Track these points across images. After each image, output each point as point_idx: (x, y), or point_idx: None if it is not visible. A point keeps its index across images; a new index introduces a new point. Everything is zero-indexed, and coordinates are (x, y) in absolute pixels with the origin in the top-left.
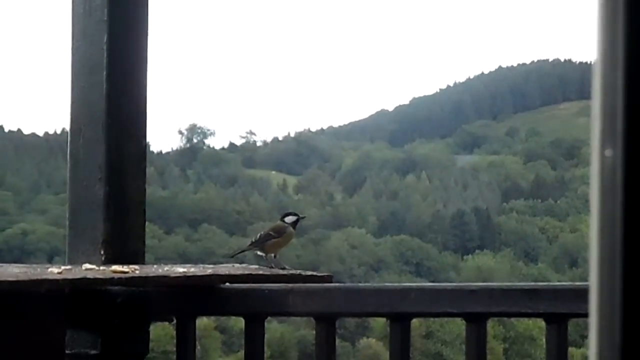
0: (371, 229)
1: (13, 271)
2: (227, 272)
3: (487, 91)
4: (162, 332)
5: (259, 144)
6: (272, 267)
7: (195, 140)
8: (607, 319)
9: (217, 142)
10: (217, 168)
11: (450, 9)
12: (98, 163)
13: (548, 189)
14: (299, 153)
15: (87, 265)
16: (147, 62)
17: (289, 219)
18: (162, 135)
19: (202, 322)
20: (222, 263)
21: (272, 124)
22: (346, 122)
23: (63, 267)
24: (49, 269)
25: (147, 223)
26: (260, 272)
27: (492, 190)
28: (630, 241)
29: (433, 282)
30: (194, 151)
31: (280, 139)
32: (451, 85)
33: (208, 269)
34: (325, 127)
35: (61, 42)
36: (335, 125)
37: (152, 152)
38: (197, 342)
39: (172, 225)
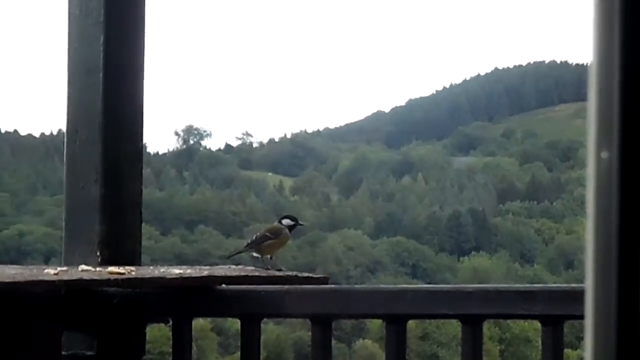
0: (367, 231)
1: (9, 272)
2: (223, 274)
3: (483, 92)
4: (158, 334)
5: (255, 145)
6: (268, 269)
7: (191, 142)
8: (603, 321)
9: (213, 143)
10: (213, 169)
11: (446, 10)
12: (94, 164)
13: (544, 190)
14: (295, 154)
15: (84, 267)
16: (144, 63)
17: (286, 222)
18: (158, 136)
19: (199, 323)
20: (218, 264)
21: (268, 126)
22: (342, 124)
23: (59, 268)
24: (45, 270)
25: (143, 224)
26: (257, 273)
27: (488, 192)
28: (626, 243)
29: (429, 283)
30: (191, 152)
31: (276, 140)
32: (447, 86)
33: (204, 271)
34: (321, 129)
35: (58, 43)
36: (332, 126)
37: (149, 153)
38: (193, 344)
39: (169, 227)
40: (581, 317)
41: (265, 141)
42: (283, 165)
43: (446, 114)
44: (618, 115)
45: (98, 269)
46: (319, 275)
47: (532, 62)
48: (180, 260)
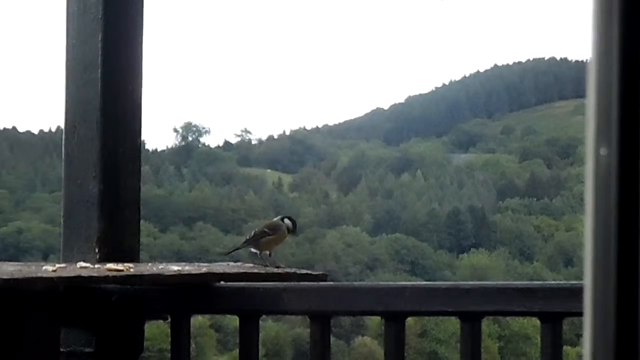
0: (366, 228)
1: (8, 269)
2: (221, 271)
3: (483, 90)
4: (157, 330)
5: (254, 142)
6: (267, 266)
7: (190, 139)
8: (602, 317)
9: (212, 140)
10: (212, 166)
11: (446, 7)
12: (93, 161)
13: (543, 187)
14: (294, 151)
15: (82, 264)
16: (142, 60)
17: (286, 221)
18: (157, 133)
19: (197, 320)
20: (217, 261)
21: (267, 122)
22: (342, 121)
23: (58, 265)
24: (44, 267)
25: (142, 221)
26: (255, 270)
27: (488, 189)
28: (625, 240)
29: (428, 280)
30: (189, 149)
31: (275, 137)
32: (447, 83)
33: (203, 267)
34: (320, 126)
35: (56, 40)
36: (331, 123)
37: (147, 150)
38: (191, 340)
39: (167, 224)
40: (580, 314)
41: (264, 138)
42: (282, 162)
43: (445, 111)
44: (617, 112)
45: (96, 265)
46: (317, 272)
47: (531, 59)
48: (179, 257)
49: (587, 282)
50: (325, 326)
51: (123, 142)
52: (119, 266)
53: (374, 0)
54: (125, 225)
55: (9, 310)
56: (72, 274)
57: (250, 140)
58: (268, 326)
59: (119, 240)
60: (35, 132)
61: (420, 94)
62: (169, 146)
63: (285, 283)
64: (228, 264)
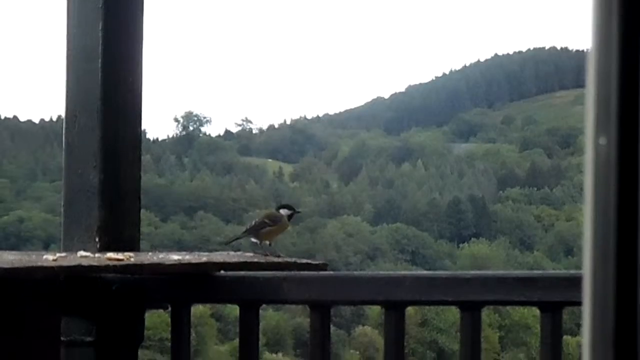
0: (367, 217)
1: (8, 258)
2: (222, 260)
3: (483, 79)
4: (158, 320)
5: (255, 131)
6: (267, 255)
7: (191, 128)
8: (601, 307)
9: (213, 129)
10: (213, 156)
11: None
12: (93, 150)
13: (544, 177)
14: (294, 141)
15: (82, 253)
16: (143, 49)
17: (284, 211)
18: (158, 122)
19: (198, 309)
20: (217, 251)
21: (268, 112)
22: (342, 110)
23: (58, 254)
24: (44, 256)
25: (143, 210)
26: (255, 259)
27: (488, 179)
28: (624, 229)
29: (429, 270)
30: (190, 139)
31: (276, 126)
32: (447, 73)
33: (203, 257)
34: (321, 115)
35: (57, 29)
36: (331, 113)
37: (148, 139)
38: (192, 330)
39: (168, 213)
40: (580, 303)
41: (264, 127)
42: (282, 151)
43: (446, 100)
44: (616, 102)
45: (97, 255)
46: (317, 262)
47: (532, 49)
48: (180, 247)
49: (586, 271)
50: (325, 315)
51: (123, 132)
52: (120, 255)
53: None
54: (125, 215)
55: (9, 300)
56: (73, 263)
57: (251, 129)
58: (268, 315)
59: (119, 230)
60: (36, 121)
61: (420, 84)
62: (170, 135)
63: (285, 272)
64: (228, 254)
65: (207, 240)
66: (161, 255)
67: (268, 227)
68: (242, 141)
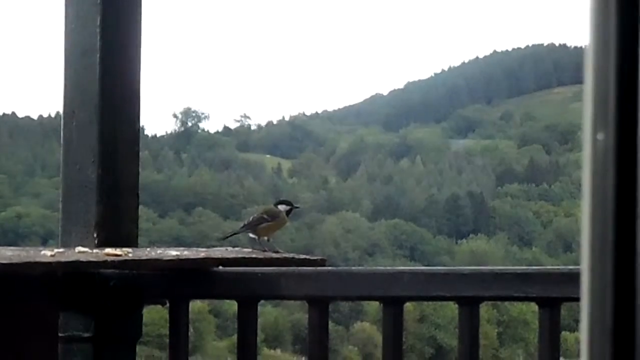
0: (365, 213)
1: (6, 254)
2: (220, 256)
3: (482, 76)
4: (157, 316)
5: (253, 127)
6: (265, 251)
7: (189, 124)
8: (599, 303)
9: (211, 125)
10: (211, 152)
11: None
12: (91, 146)
13: (542, 173)
14: (293, 137)
15: (80, 248)
16: (141, 45)
17: (282, 207)
18: (156, 118)
19: (197, 305)
20: (215, 246)
21: (266, 108)
22: (341, 106)
23: (56, 250)
24: (42, 252)
25: (141, 206)
26: (253, 255)
27: (487, 175)
28: (622, 225)
29: (427, 266)
30: (189, 135)
31: (274, 122)
32: (446, 69)
33: (201, 252)
34: (319, 111)
35: (55, 25)
36: (330, 109)
37: (147, 135)
38: (190, 326)
39: (167, 209)
40: (578, 299)
41: (263, 123)
42: (281, 147)
43: (444, 96)
44: (614, 97)
45: (95, 250)
46: (316, 257)
47: (530, 45)
48: (178, 243)
49: (584, 267)
50: (323, 311)
51: (122, 128)
52: (118, 251)
53: None
54: (123, 211)
55: (7, 295)
56: (71, 259)
57: (249, 125)
58: (267, 311)
59: (117, 226)
60: (35, 117)
61: (419, 80)
62: (169, 131)
63: (283, 268)
64: (227, 249)
65: (205, 236)
66: (159, 251)
67: (266, 223)
68: (240, 137)
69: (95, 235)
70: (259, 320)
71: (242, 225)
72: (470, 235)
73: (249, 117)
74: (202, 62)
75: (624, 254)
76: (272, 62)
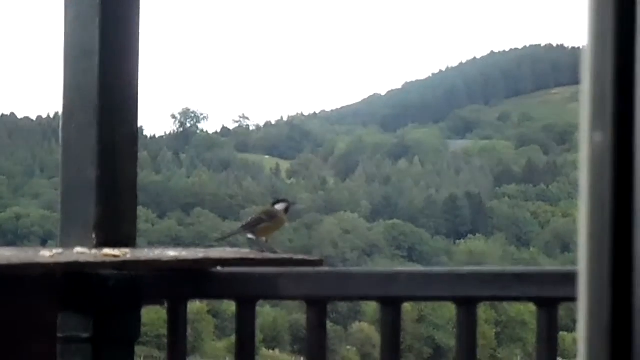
0: (364, 214)
1: (5, 254)
2: (218, 256)
3: (480, 76)
4: (155, 316)
5: (252, 128)
6: (264, 251)
7: (188, 125)
8: (596, 303)
9: (210, 126)
10: (210, 152)
11: None
12: (90, 147)
13: (540, 173)
14: (291, 137)
15: (79, 249)
16: (140, 46)
17: (280, 206)
18: (155, 119)
19: (195, 306)
20: (214, 247)
21: (265, 109)
22: (339, 107)
23: (55, 251)
24: (41, 253)
25: (140, 207)
26: (252, 255)
27: (485, 175)
28: (619, 225)
29: (425, 266)
30: (187, 135)
31: (273, 123)
32: (444, 70)
33: (199, 253)
34: (318, 112)
35: (54, 26)
36: (328, 109)
37: (146, 136)
38: (189, 326)
39: (165, 209)
40: (576, 299)
41: (261, 124)
42: (279, 148)
43: (442, 97)
44: (611, 98)
45: (93, 251)
46: (314, 258)
47: (528, 46)
48: (177, 243)
49: (582, 267)
50: (321, 311)
51: (120, 128)
52: (116, 252)
53: None
54: (122, 211)
55: (6, 296)
56: (69, 260)
57: (248, 126)
58: (266, 312)
59: (116, 226)
60: (34, 118)
61: (417, 80)
62: (167, 132)
63: (282, 269)
64: (225, 250)
65: (204, 237)
66: (158, 252)
67: (265, 224)
68: (239, 138)
69: (94, 235)
70: (257, 320)
71: (240, 226)
72: (469, 236)
73: (247, 118)
74: (201, 63)
75: (621, 254)
76: (271, 62)
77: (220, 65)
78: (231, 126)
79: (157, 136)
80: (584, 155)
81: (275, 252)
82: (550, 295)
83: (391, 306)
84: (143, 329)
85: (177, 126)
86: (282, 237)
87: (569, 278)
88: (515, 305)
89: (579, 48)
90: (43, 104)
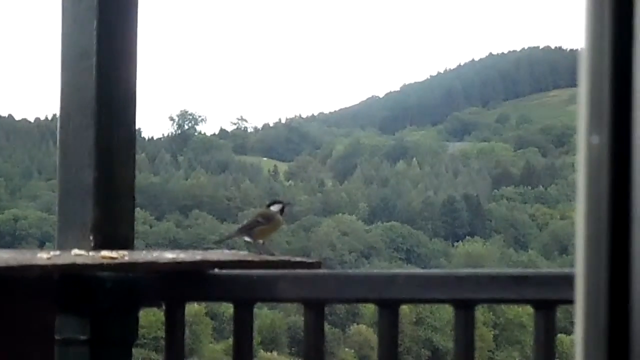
0: (362, 216)
1: (2, 256)
2: (216, 258)
3: (478, 78)
4: (152, 318)
5: (249, 130)
6: (261, 254)
7: (186, 127)
8: (593, 305)
9: (208, 128)
10: (208, 154)
11: None
12: (88, 149)
13: (538, 176)
14: (289, 139)
15: (77, 251)
16: (137, 48)
17: (275, 207)
18: (153, 121)
19: (193, 308)
20: (212, 249)
21: (263, 110)
22: (337, 109)
23: (52, 253)
24: (39, 255)
25: (137, 209)
26: (249, 258)
27: (483, 177)
28: (616, 227)
29: (424, 269)
30: (185, 137)
31: (271, 125)
32: (442, 72)
33: (197, 255)
34: (316, 114)
35: (51, 27)
36: (326, 111)
37: (143, 138)
38: (187, 328)
39: (163, 212)
40: (574, 302)
41: (259, 126)
42: (277, 150)
43: (440, 99)
44: (609, 100)
45: (91, 253)
46: (311, 260)
47: (526, 48)
48: (175, 245)
49: (579, 269)
50: (319, 314)
51: (118, 130)
52: (114, 254)
53: None
54: (120, 213)
55: (3, 298)
56: (67, 262)
57: (246, 128)
58: (263, 314)
59: (113, 228)
60: (32, 120)
61: (415, 82)
62: (165, 134)
63: (279, 271)
64: (223, 252)
65: (202, 239)
66: (155, 254)
67: (261, 226)
68: (237, 140)
69: (91, 237)
70: (255, 322)
71: (237, 229)
72: (467, 238)
73: (245, 120)
74: (199, 65)
75: (618, 257)
76: (269, 64)
77: (218, 67)
78: (229, 128)
79: (154, 138)
80: (581, 158)
81: (272, 255)
82: (548, 298)
83: (389, 308)
84: (140, 331)
85: (175, 128)
86: (279, 239)
87: (567, 280)
88: (513, 308)
89: (577, 50)
90: (41, 105)
